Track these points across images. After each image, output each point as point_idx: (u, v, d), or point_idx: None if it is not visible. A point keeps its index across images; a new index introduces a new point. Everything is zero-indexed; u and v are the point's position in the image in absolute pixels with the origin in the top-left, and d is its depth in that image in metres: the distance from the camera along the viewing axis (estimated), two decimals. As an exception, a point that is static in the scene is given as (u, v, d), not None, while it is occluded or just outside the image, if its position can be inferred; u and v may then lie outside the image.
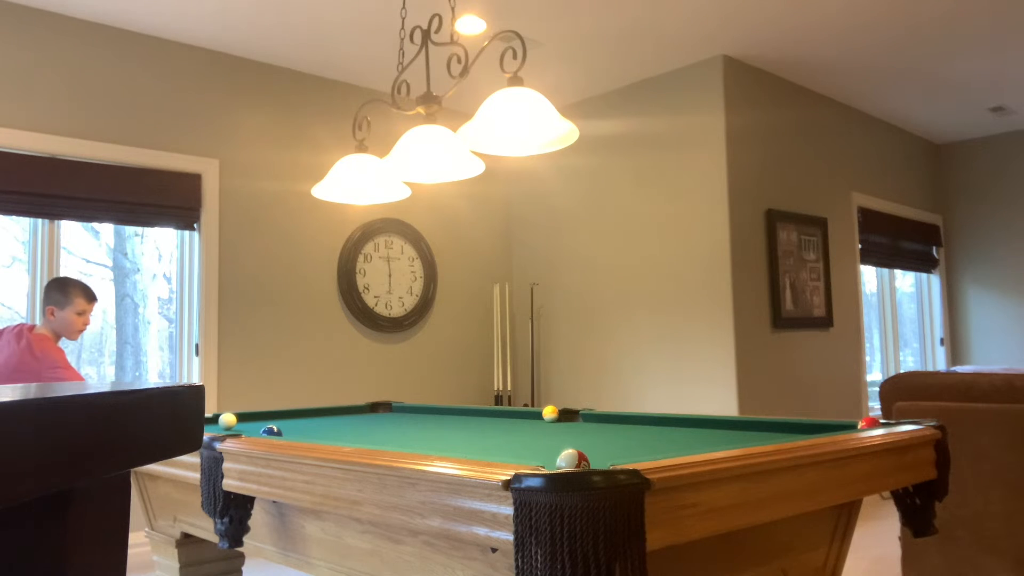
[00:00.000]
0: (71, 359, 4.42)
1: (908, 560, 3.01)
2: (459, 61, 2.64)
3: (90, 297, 3.50)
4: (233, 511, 1.90)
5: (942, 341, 6.97)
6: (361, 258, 5.21)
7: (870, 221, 6.16)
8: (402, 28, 3.26)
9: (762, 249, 5.05)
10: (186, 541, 2.58)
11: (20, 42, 4.02)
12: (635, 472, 1.20)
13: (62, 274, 4.15)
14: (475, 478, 1.29)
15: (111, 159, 4.25)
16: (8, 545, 0.67)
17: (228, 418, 2.62)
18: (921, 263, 6.85)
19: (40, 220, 4.09)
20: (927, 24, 4.58)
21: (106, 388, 0.72)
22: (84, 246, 4.49)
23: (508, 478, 1.24)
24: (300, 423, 2.90)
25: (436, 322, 5.60)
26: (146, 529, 2.73)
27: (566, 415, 2.75)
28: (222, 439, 1.97)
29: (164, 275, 4.75)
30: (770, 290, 5.07)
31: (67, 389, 0.71)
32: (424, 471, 1.39)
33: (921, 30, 4.66)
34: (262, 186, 4.81)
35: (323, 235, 5.06)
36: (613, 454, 1.76)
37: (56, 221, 4.14)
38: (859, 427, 1.93)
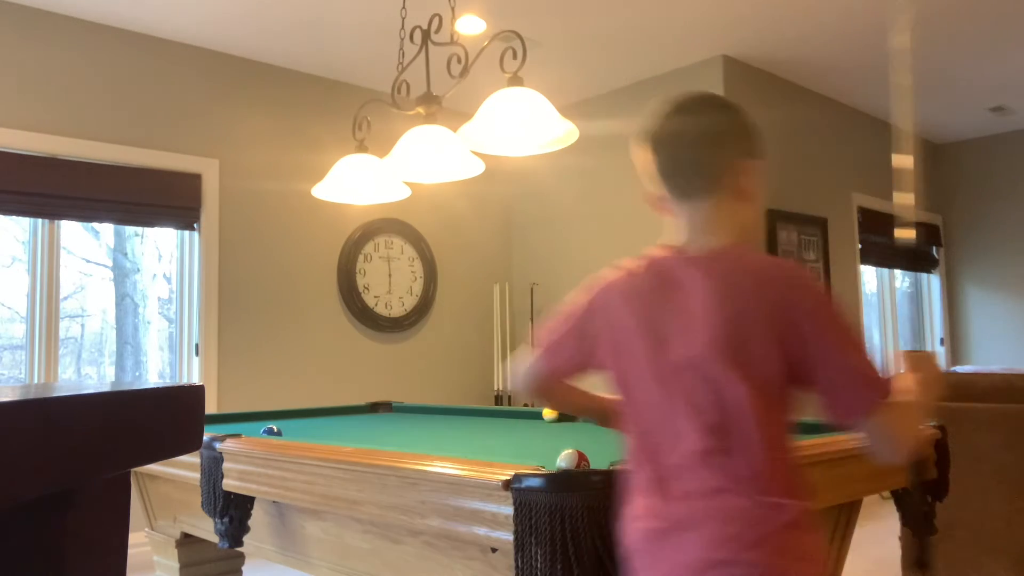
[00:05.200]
0: (71, 358, 4.42)
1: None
2: (459, 61, 2.64)
3: None
4: (233, 511, 1.90)
5: (942, 341, 6.97)
6: (361, 258, 5.21)
7: (870, 221, 6.16)
8: (402, 28, 3.27)
9: (762, 249, 5.05)
10: (186, 541, 2.58)
11: (20, 42, 4.02)
12: (635, 472, 1.20)
13: (62, 273, 4.15)
14: (475, 478, 1.29)
15: (111, 159, 4.24)
16: (8, 545, 0.67)
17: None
18: (921, 263, 6.85)
19: (40, 220, 4.09)
20: (927, 24, 4.58)
21: (106, 388, 0.72)
22: (84, 246, 4.49)
23: (508, 478, 1.24)
24: (300, 423, 2.90)
25: (436, 322, 5.60)
26: (146, 529, 2.73)
27: (566, 415, 2.75)
28: (222, 439, 1.97)
29: (164, 275, 4.75)
30: (770, 290, 5.06)
31: (67, 389, 0.71)
32: (424, 471, 1.39)
33: (921, 30, 4.65)
34: (262, 186, 4.80)
35: (323, 235, 5.06)
36: (613, 454, 1.76)
37: (56, 221, 4.13)
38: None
